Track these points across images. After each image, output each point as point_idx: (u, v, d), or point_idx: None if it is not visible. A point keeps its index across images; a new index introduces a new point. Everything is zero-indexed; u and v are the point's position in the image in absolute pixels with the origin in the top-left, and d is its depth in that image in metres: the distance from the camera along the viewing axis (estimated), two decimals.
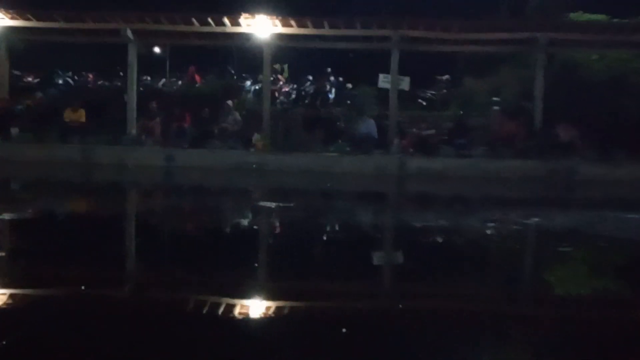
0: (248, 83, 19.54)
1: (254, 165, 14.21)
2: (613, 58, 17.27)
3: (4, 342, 2.88)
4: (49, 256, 5.08)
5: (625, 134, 14.21)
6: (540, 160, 13.96)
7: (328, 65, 19.72)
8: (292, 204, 8.90)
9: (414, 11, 18.21)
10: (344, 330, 3.33)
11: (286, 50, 18.73)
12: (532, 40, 15.76)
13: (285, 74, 20.45)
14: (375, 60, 17.84)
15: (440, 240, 6.33)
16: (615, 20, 17.49)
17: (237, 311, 3.60)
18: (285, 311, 3.71)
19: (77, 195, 10.33)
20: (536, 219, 7.80)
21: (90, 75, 19.92)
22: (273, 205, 8.77)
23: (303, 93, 19.54)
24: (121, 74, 18.44)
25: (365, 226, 7.55)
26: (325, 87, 18.96)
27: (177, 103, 16.70)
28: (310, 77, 20.03)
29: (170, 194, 10.96)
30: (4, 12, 15.91)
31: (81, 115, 15.96)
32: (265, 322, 3.48)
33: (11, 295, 3.86)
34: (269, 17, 15.43)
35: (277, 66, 19.34)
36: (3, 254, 5.17)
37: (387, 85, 16.41)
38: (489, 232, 6.82)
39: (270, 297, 3.99)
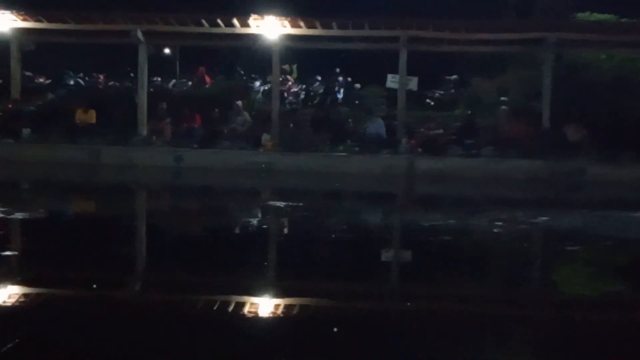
0: (257, 84, 19.57)
1: (263, 165, 14.26)
2: (621, 58, 17.23)
3: (17, 341, 2.96)
4: (61, 256, 5.16)
5: (633, 134, 14.17)
6: (548, 160, 13.94)
7: (336, 66, 19.73)
8: (301, 204, 8.96)
9: (421, 12, 18.23)
10: (353, 329, 3.40)
11: (295, 51, 18.76)
12: (540, 41, 15.74)
13: (294, 75, 20.48)
14: (383, 61, 17.85)
15: (448, 240, 6.37)
16: (623, 20, 17.46)
17: (247, 310, 3.66)
18: (295, 310, 3.77)
19: (87, 195, 10.43)
20: (544, 219, 7.83)
21: (101, 77, 19.98)
22: (282, 205, 8.84)
23: (312, 93, 19.56)
24: (131, 75, 18.51)
25: (374, 226, 7.60)
26: (335, 87, 19.00)
27: (186, 104, 16.74)
28: (319, 78, 20.05)
29: (180, 194, 11.03)
30: (15, 13, 16.01)
31: (92, 116, 16.04)
32: (277, 321, 3.54)
33: (23, 295, 3.93)
34: (277, 18, 15.47)
35: (286, 67, 19.36)
36: (15, 253, 5.26)
37: (395, 86, 16.43)
38: (497, 231, 6.86)
39: (280, 296, 4.05)
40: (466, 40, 16.27)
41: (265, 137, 15.33)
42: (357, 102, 18.77)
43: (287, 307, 3.78)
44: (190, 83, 19.96)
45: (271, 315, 3.62)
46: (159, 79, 20.05)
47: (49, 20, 16.28)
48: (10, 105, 16.53)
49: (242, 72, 20.64)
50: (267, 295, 4.07)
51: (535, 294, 4.53)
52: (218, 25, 15.98)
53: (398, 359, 2.97)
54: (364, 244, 6.09)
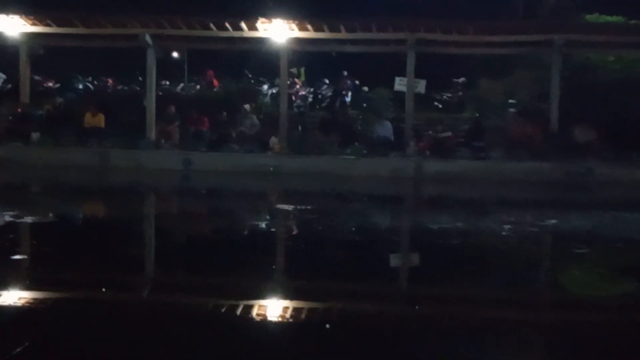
0: (265, 87, 19.62)
1: (271, 168, 14.28)
2: (629, 59, 17.21)
3: (27, 344, 2.98)
4: (71, 259, 5.19)
5: None
6: (557, 162, 13.93)
7: (344, 68, 19.77)
8: (309, 207, 8.97)
9: (428, 14, 18.23)
10: (363, 332, 3.41)
11: (302, 54, 18.79)
12: (548, 42, 15.71)
13: (302, 78, 20.51)
14: (391, 63, 17.86)
15: (457, 242, 6.37)
16: (631, 21, 17.43)
17: (257, 313, 3.68)
18: (304, 313, 3.78)
19: (97, 198, 10.47)
20: (553, 221, 7.82)
21: (110, 80, 20.07)
22: (290, 207, 8.85)
23: (320, 96, 19.60)
24: (140, 78, 18.58)
25: (382, 229, 7.61)
26: (344, 89, 19.02)
27: (195, 107, 16.80)
28: (327, 81, 20.10)
29: (190, 198, 11.06)
30: (24, 18, 16.11)
31: (100, 120, 16.11)
32: (286, 324, 3.55)
33: (34, 298, 3.95)
34: (285, 21, 15.50)
35: (293, 70, 19.40)
36: (25, 256, 5.29)
37: (403, 88, 16.44)
38: (505, 234, 6.85)
39: (289, 298, 4.06)
40: (474, 42, 16.26)
41: (273, 140, 15.37)
42: (365, 104, 18.81)
43: (296, 309, 3.79)
44: (198, 86, 20.03)
45: (281, 318, 3.63)
46: (167, 82, 20.13)
47: (58, 25, 16.37)
48: (19, 109, 16.63)
49: (250, 76, 20.69)
50: (277, 298, 4.08)
51: (545, 297, 4.53)
52: (226, 29, 16.03)
53: None
54: (373, 247, 6.10)
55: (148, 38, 16.21)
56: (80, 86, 19.79)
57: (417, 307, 4.02)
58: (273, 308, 3.80)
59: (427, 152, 14.94)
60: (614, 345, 3.35)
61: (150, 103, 16.56)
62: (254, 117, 16.62)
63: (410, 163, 14.38)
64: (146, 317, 3.60)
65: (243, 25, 15.86)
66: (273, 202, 10.56)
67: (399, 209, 10.13)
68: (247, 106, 16.72)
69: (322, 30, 15.87)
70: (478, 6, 22.94)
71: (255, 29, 15.88)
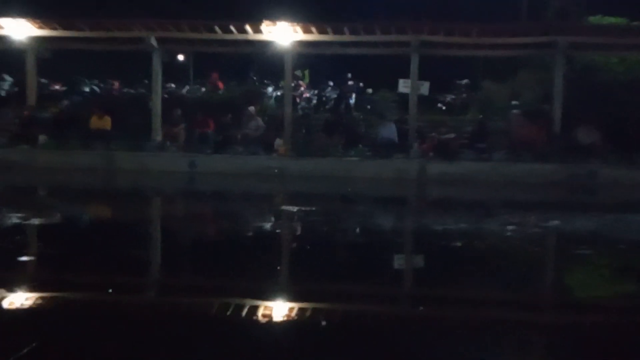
0: (270, 89, 19.66)
1: (276, 170, 14.32)
2: (633, 61, 17.20)
3: (33, 345, 3.03)
4: (77, 260, 5.23)
5: None
6: (561, 163, 13.93)
7: (348, 71, 19.80)
8: (313, 208, 9.01)
9: (432, 16, 18.24)
10: (367, 333, 3.45)
11: (307, 56, 18.83)
12: (552, 44, 15.71)
13: (306, 80, 20.55)
14: (394, 65, 17.89)
15: (461, 244, 6.40)
16: (635, 23, 17.42)
17: (263, 314, 3.72)
18: (308, 313, 3.81)
19: (103, 200, 10.52)
20: (556, 222, 7.84)
21: (116, 83, 20.14)
22: (295, 209, 8.90)
23: (324, 98, 19.64)
24: (146, 81, 18.65)
25: (386, 230, 7.64)
26: (349, 92, 19.05)
27: (200, 109, 16.85)
28: (331, 83, 20.13)
29: (195, 200, 11.10)
30: (31, 21, 16.19)
31: (107, 122, 16.17)
32: (290, 325, 3.60)
33: (40, 299, 4.00)
34: (289, 24, 15.55)
35: (298, 72, 19.43)
36: (32, 258, 5.35)
37: (407, 90, 16.45)
38: (509, 235, 6.88)
39: (294, 299, 4.10)
40: (477, 44, 16.26)
41: (278, 142, 15.42)
42: (369, 106, 18.84)
43: (301, 310, 3.83)
44: (203, 89, 20.08)
45: (286, 319, 3.66)
46: (173, 85, 20.18)
47: (65, 28, 16.44)
48: (26, 112, 16.70)
49: (255, 78, 20.74)
50: (282, 299, 4.12)
51: (548, 298, 4.56)
52: (231, 32, 16.08)
53: None
54: (377, 249, 6.13)
55: (154, 41, 16.28)
56: (87, 89, 19.87)
57: (421, 309, 4.07)
58: (278, 309, 3.84)
59: (431, 154, 14.95)
60: (617, 346, 3.38)
61: (156, 106, 16.63)
62: (259, 120, 16.66)
63: (413, 165, 14.40)
64: (152, 319, 3.63)
65: (248, 28, 15.91)
66: (278, 203, 10.61)
67: (403, 211, 10.16)
68: (251, 108, 16.75)
69: (326, 33, 15.90)
70: (481, 8, 22.99)
71: (260, 31, 15.92)
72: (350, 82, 19.27)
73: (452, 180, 13.61)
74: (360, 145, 15.32)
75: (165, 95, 17.76)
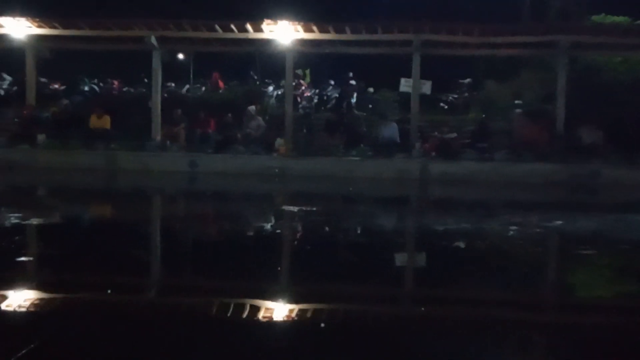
0: (271, 88, 19.63)
1: (277, 170, 14.30)
2: (636, 61, 17.17)
3: (32, 345, 2.98)
4: (77, 261, 5.19)
5: None
6: (563, 163, 13.90)
7: (349, 70, 19.75)
8: (315, 208, 8.97)
9: (434, 16, 18.21)
10: (369, 333, 3.40)
11: (308, 55, 18.78)
12: (554, 43, 15.68)
13: (307, 79, 20.50)
14: (396, 65, 17.85)
15: (463, 244, 6.36)
16: (637, 22, 17.38)
17: (263, 314, 3.68)
18: (309, 314, 3.77)
19: (103, 201, 10.48)
20: (559, 223, 7.80)
21: (116, 82, 20.12)
22: (296, 209, 8.86)
23: (325, 98, 19.60)
24: (146, 80, 18.62)
25: (388, 230, 7.60)
26: (350, 92, 19.00)
27: (200, 109, 16.82)
28: (332, 82, 20.09)
29: (196, 200, 11.07)
30: (31, 20, 16.16)
31: (106, 122, 16.14)
32: (291, 325, 3.55)
33: (38, 299, 3.96)
34: (291, 23, 15.51)
35: (299, 71, 19.39)
36: (31, 258, 5.30)
37: (409, 90, 16.42)
38: (511, 235, 6.84)
39: (295, 300, 4.06)
40: (479, 43, 16.23)
41: (278, 142, 15.38)
42: (370, 106, 18.79)
43: (302, 311, 3.79)
44: (204, 88, 20.05)
45: (287, 319, 3.63)
46: (173, 84, 20.16)
47: (64, 27, 16.42)
48: (25, 112, 16.68)
49: (256, 77, 20.72)
50: (283, 299, 4.08)
51: (550, 298, 4.52)
52: (231, 31, 16.05)
53: None
54: (379, 249, 6.09)
55: (154, 40, 16.25)
56: (86, 88, 19.85)
57: (422, 309, 4.02)
58: (279, 310, 3.80)
59: (433, 154, 14.93)
60: (621, 347, 3.34)
61: (156, 105, 16.60)
62: (260, 119, 16.64)
63: (415, 164, 14.37)
64: (153, 319, 3.60)
65: (249, 27, 15.88)
66: (279, 203, 10.57)
67: (405, 211, 10.12)
68: (252, 108, 16.73)
69: (328, 32, 15.87)
70: (483, 8, 22.95)
71: (261, 30, 15.89)
72: (351, 82, 19.21)
73: (453, 180, 13.59)
74: (362, 145, 15.30)
75: (166, 95, 17.73)
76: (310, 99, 19.42)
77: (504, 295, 4.43)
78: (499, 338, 3.39)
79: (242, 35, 16.26)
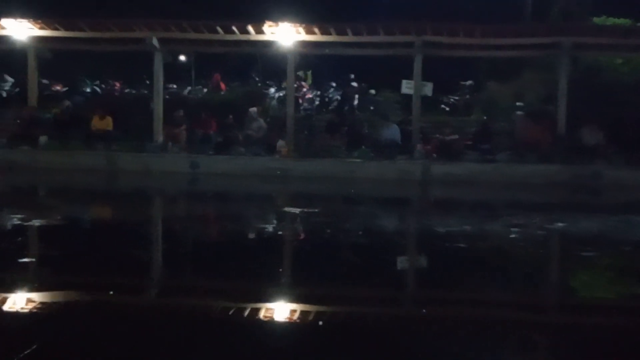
0: (272, 90, 19.62)
1: (278, 172, 14.29)
2: (638, 62, 17.16)
3: (34, 347, 2.97)
4: (79, 262, 5.19)
5: None
6: (565, 164, 13.88)
7: (351, 71, 19.74)
8: (316, 210, 8.96)
9: (436, 17, 18.19)
10: (371, 336, 3.39)
11: (309, 57, 18.78)
12: (556, 45, 15.67)
13: (309, 81, 20.50)
14: (398, 66, 17.84)
15: (464, 245, 6.33)
16: (639, 24, 17.36)
17: (264, 315, 3.67)
18: (311, 316, 3.76)
19: (104, 202, 10.48)
20: (561, 224, 7.78)
21: (117, 84, 20.10)
22: (298, 211, 8.84)
23: (326, 99, 19.58)
24: (147, 81, 18.61)
25: (390, 232, 7.58)
26: (352, 93, 18.99)
27: (202, 110, 16.81)
28: (334, 84, 20.08)
29: (197, 201, 11.06)
30: (32, 22, 16.17)
31: (108, 123, 16.13)
32: (292, 327, 3.54)
33: (40, 300, 3.94)
34: (292, 24, 15.50)
35: (300, 73, 19.39)
36: (32, 259, 5.29)
37: (410, 91, 16.41)
38: (513, 237, 6.82)
39: (297, 302, 4.05)
40: (481, 44, 16.22)
41: (280, 143, 15.36)
42: (372, 107, 18.78)
43: (303, 312, 3.77)
44: (205, 90, 20.05)
45: (289, 321, 3.62)
46: (175, 85, 20.16)
47: (66, 28, 16.43)
48: (27, 113, 16.67)
49: (257, 79, 20.70)
50: (284, 301, 4.07)
51: (554, 300, 4.50)
52: (233, 32, 16.05)
53: None
54: (381, 250, 6.08)
55: (155, 41, 16.25)
56: (88, 90, 19.85)
57: (424, 311, 4.00)
58: (281, 311, 3.79)
59: (434, 155, 14.91)
60: (624, 348, 3.32)
61: (158, 106, 16.60)
62: (261, 120, 16.62)
63: (417, 166, 14.35)
64: (154, 321, 3.59)
65: (250, 28, 15.88)
66: (280, 205, 10.55)
67: (407, 212, 10.10)
68: (253, 109, 16.71)
69: (329, 34, 15.87)
70: (485, 9, 22.92)
71: (262, 32, 15.89)
72: (353, 84, 19.20)
73: (455, 182, 13.57)
74: (363, 147, 15.27)
75: (167, 96, 17.73)
76: (311, 100, 19.40)
77: (506, 296, 4.41)
78: (503, 339, 3.38)
79: (243, 37, 16.26)
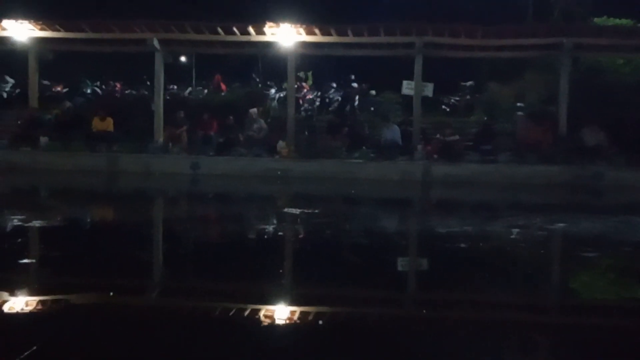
0: (273, 91, 19.60)
1: (279, 172, 14.28)
2: (639, 62, 17.15)
3: (34, 348, 2.96)
4: (79, 263, 5.18)
5: None
6: (566, 165, 13.87)
7: (351, 72, 19.73)
8: (317, 210, 8.95)
9: (437, 18, 18.18)
10: (373, 337, 3.39)
11: (310, 58, 18.78)
12: (557, 45, 15.67)
13: (309, 82, 20.49)
14: (398, 67, 17.83)
15: (466, 246, 6.32)
16: None
17: (265, 316, 3.67)
18: (312, 317, 3.76)
19: (106, 203, 10.48)
20: (562, 225, 7.77)
21: (118, 85, 20.11)
22: (298, 211, 8.83)
23: (327, 100, 19.57)
24: (148, 82, 18.62)
25: (390, 232, 7.58)
26: (353, 94, 18.98)
27: (203, 111, 16.81)
28: (334, 85, 20.06)
29: (198, 202, 11.06)
30: (33, 23, 16.18)
31: (109, 124, 16.14)
32: (293, 328, 3.54)
33: (41, 301, 3.94)
34: (293, 25, 15.51)
35: (301, 74, 19.38)
36: (33, 260, 5.29)
37: (411, 92, 16.41)
38: (515, 238, 6.81)
39: (298, 303, 4.05)
40: (482, 45, 16.22)
41: (281, 144, 15.36)
42: (372, 108, 18.76)
43: (304, 313, 3.77)
44: (206, 90, 20.04)
45: (289, 322, 3.61)
46: (175, 86, 20.16)
47: (66, 30, 16.44)
48: (28, 114, 16.69)
49: (258, 80, 20.69)
50: (285, 302, 4.07)
51: (555, 301, 4.50)
52: (234, 33, 16.06)
53: None
54: (381, 251, 6.07)
55: (156, 42, 16.26)
56: (89, 91, 19.85)
57: (424, 311, 4.00)
58: (282, 313, 3.78)
59: (435, 156, 14.90)
60: (625, 349, 3.32)
61: (159, 107, 16.61)
62: (262, 121, 16.62)
63: (418, 167, 14.35)
64: (155, 321, 3.59)
65: (251, 29, 15.88)
66: (281, 206, 10.54)
67: (407, 213, 10.09)
68: (254, 110, 16.71)
69: (330, 34, 15.87)
70: (486, 10, 22.91)
71: (263, 33, 15.89)
72: (353, 84, 19.19)
73: (456, 182, 13.57)
74: (364, 147, 15.27)
75: (168, 97, 17.74)
76: (312, 101, 19.39)
77: (507, 297, 4.41)
78: (503, 340, 3.38)
79: (244, 38, 16.27)
